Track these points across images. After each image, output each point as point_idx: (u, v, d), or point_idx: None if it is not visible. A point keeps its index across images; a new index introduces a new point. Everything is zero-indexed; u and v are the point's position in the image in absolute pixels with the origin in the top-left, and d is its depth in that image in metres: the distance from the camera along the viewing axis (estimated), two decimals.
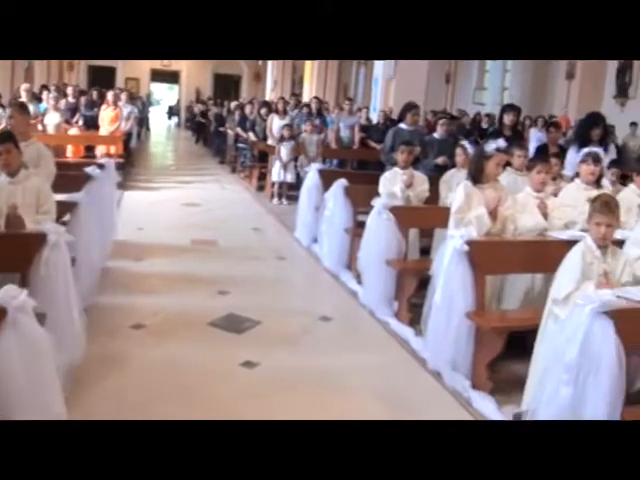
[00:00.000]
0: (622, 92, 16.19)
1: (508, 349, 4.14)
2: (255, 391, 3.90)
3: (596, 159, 5.07)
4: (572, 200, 4.92)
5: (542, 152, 6.72)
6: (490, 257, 4.32)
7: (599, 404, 2.87)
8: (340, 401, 3.84)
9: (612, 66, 15.99)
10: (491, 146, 4.67)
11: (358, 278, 5.98)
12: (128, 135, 12.70)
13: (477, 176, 4.73)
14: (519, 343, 4.16)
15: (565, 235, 4.39)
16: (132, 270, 6.30)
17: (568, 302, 3.43)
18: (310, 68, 23.80)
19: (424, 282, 4.71)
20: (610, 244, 3.66)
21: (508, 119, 7.55)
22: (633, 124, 14.58)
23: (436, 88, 21.44)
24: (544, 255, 4.30)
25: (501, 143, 4.69)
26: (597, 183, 5.15)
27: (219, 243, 7.70)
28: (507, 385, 4.09)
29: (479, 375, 4.09)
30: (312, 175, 7.66)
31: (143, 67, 31.38)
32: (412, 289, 5.24)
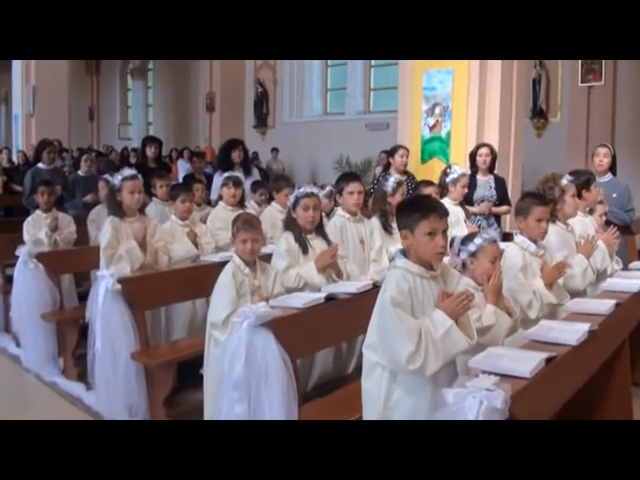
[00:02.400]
0: (261, 122, 17.51)
1: (187, 379, 4.08)
2: None
3: (236, 182, 5.30)
4: (223, 223, 5.05)
5: (187, 181, 6.82)
6: (145, 292, 4.17)
7: (275, 412, 2.93)
8: None
9: (249, 98, 17.15)
10: (117, 178, 4.58)
11: (17, 341, 5.36)
12: None
13: (117, 210, 4.60)
14: (196, 370, 4.10)
15: (217, 257, 4.47)
16: None
17: (228, 324, 3.45)
18: None
19: (87, 330, 4.37)
20: (258, 260, 3.80)
21: (150, 151, 7.56)
22: (274, 149, 15.80)
23: (80, 125, 20.85)
24: (201, 280, 4.29)
25: (126, 172, 4.62)
26: (241, 204, 5.37)
27: None
28: (191, 416, 3.98)
29: (157, 415, 3.93)
30: None
31: None
32: (74, 340, 4.82)
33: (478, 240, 3.21)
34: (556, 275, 3.66)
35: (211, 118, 17.65)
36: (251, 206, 6.22)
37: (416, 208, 2.67)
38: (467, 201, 5.76)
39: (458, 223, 5.42)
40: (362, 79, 15.90)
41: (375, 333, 2.64)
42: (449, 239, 3.28)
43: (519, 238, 3.74)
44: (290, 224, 4.12)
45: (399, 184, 4.76)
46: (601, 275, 4.33)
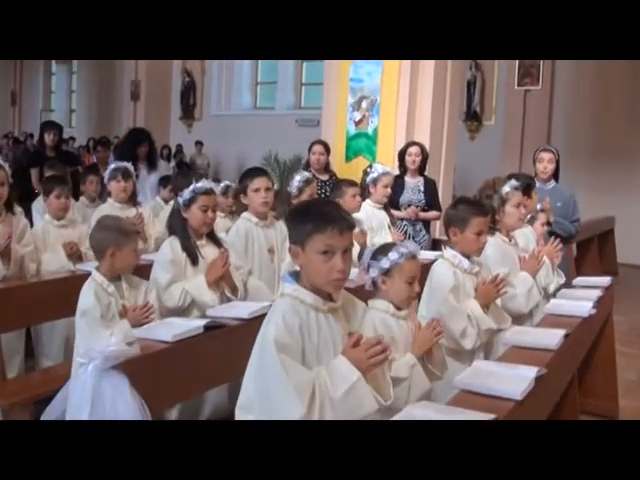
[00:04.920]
0: (188, 114, 16.76)
1: None
2: None
3: (126, 174, 4.55)
4: None
5: (87, 172, 6.00)
6: (5, 309, 3.40)
7: None
8: None
9: (176, 88, 16.39)
10: None
11: None
12: None
13: None
14: None
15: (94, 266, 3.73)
16: None
17: None
18: None
19: None
20: (123, 275, 3.11)
21: (49, 138, 6.72)
22: (198, 143, 15.13)
23: (1, 109, 20.26)
24: (77, 293, 3.54)
25: None
26: (132, 201, 4.65)
27: None
28: None
29: None
30: None
31: None
32: None
33: (393, 255, 2.50)
34: (493, 294, 3.05)
35: (135, 107, 16.80)
36: (157, 203, 5.58)
37: (309, 217, 1.98)
38: (394, 205, 5.19)
39: (382, 229, 4.86)
40: (293, 73, 15.32)
41: (252, 388, 1.96)
42: (367, 251, 2.67)
43: (449, 253, 3.10)
44: (178, 227, 3.39)
45: (307, 182, 4.11)
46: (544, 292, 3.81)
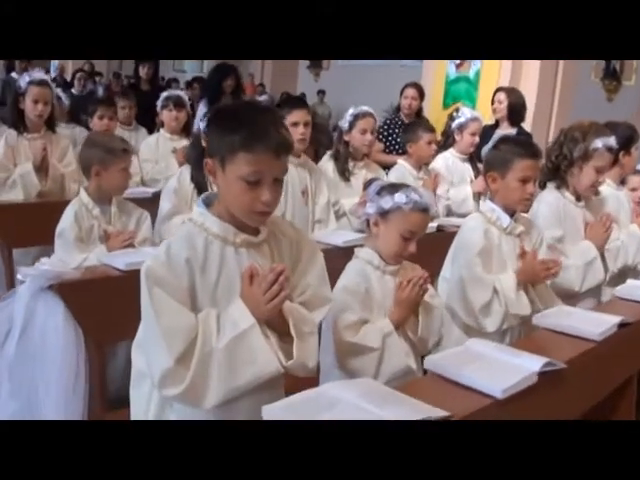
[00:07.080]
0: (316, 63, 16.53)
1: None
2: None
3: (178, 103, 4.27)
4: (151, 153, 4.19)
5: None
6: (37, 224, 3.09)
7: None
8: None
9: None
10: (24, 79, 3.64)
11: None
12: None
13: (17, 122, 3.66)
14: None
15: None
16: None
17: None
18: None
19: None
20: (115, 198, 2.88)
21: (143, 72, 6.69)
22: (320, 92, 14.89)
23: None
24: None
25: (36, 75, 3.69)
26: (186, 131, 4.36)
27: None
28: None
29: None
30: None
31: None
32: None
33: (400, 197, 2.01)
34: (540, 276, 2.39)
35: None
36: None
37: (236, 126, 1.49)
38: (479, 158, 4.59)
39: (463, 184, 4.28)
40: None
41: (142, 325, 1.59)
42: (375, 182, 2.24)
43: (487, 205, 2.50)
44: (193, 155, 3.06)
45: (359, 116, 3.64)
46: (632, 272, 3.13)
